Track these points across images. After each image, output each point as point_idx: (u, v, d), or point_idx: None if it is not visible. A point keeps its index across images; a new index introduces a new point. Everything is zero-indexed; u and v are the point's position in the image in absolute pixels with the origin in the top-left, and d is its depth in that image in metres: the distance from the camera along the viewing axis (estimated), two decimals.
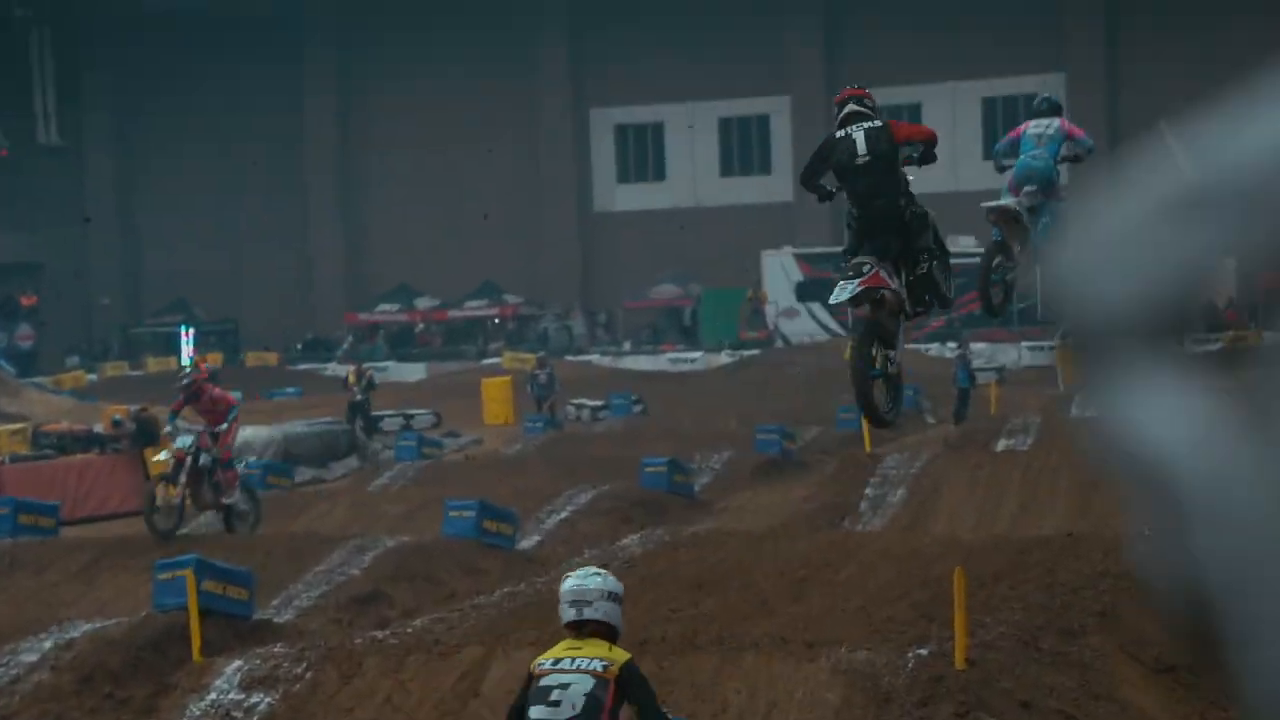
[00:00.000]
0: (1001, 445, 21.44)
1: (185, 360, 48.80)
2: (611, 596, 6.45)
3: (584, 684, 6.20)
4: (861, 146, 9.04)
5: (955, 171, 51.02)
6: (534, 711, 6.21)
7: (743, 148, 53.05)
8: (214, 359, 48.93)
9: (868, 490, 18.22)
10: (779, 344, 46.10)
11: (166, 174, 56.83)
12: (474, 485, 20.89)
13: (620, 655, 6.35)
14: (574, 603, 6.42)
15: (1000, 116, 50.05)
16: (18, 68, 56.29)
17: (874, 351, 9.07)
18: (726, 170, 53.16)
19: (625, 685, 6.24)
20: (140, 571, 14.50)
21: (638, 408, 33.15)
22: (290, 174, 55.99)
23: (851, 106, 9.31)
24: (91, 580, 14.86)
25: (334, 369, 48.63)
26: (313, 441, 26.98)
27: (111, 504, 22.20)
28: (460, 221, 54.03)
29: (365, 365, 36.40)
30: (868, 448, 21.29)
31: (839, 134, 9.23)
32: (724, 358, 45.36)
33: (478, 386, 36.78)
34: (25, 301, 54.36)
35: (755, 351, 45.05)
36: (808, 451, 24.40)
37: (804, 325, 46.89)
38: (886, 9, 49.89)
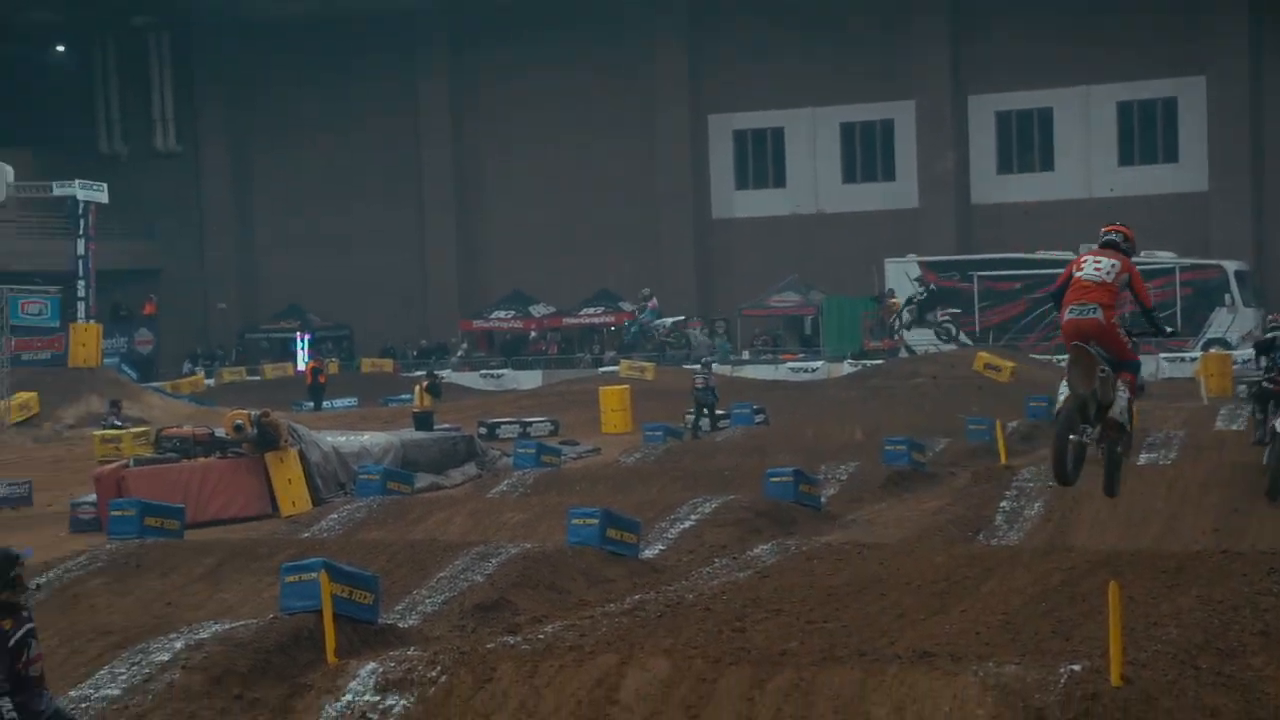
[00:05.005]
0: (1144, 459, 20.67)
1: (301, 365, 49.38)
2: None
3: None
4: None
5: (1088, 180, 50.01)
6: None
7: (865, 154, 52.31)
8: (332, 367, 49.49)
9: (1003, 503, 17.61)
10: (903, 354, 45.41)
11: (282, 179, 57.28)
12: (594, 494, 20.65)
13: None
14: None
15: (1136, 120, 48.80)
16: (137, 75, 57.20)
17: None
18: (849, 177, 52.47)
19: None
20: (264, 575, 14.40)
21: (759, 418, 32.69)
22: (405, 178, 56.26)
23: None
24: (218, 583, 14.77)
25: (450, 376, 48.82)
26: (431, 448, 26.96)
27: (234, 508, 22.25)
28: (576, 227, 53.93)
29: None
30: (1004, 459, 20.70)
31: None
32: (846, 367, 44.76)
33: (594, 395, 36.57)
34: (147, 309, 55.09)
35: (879, 361, 44.36)
36: (937, 463, 23.81)
37: (929, 335, 46.12)
38: (1016, 11, 48.94)
